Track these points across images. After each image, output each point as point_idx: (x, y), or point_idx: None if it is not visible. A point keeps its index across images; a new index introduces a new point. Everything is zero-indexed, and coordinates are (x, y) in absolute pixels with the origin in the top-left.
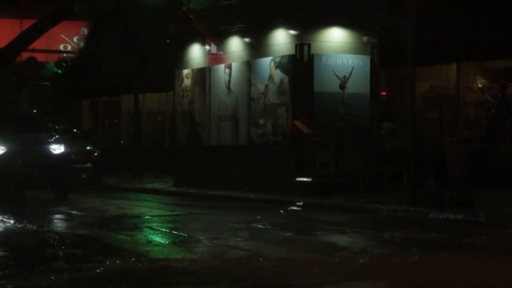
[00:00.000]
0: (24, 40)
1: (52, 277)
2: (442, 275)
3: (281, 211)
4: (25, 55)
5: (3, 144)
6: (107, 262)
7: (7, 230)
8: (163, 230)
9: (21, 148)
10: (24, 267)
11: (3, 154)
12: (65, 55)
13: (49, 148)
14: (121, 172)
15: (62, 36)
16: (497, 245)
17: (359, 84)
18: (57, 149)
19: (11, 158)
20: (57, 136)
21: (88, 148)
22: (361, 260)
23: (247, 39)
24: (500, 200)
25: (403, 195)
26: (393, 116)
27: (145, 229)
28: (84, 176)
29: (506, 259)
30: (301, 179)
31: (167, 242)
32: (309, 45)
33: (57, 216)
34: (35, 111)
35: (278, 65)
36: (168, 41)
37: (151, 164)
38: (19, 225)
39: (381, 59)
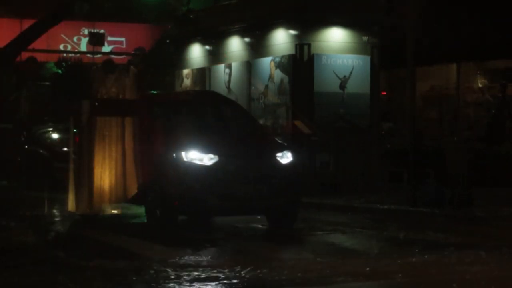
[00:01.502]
0: (24, 40)
1: (57, 275)
2: (443, 275)
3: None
4: (25, 55)
5: (214, 150)
6: (107, 262)
7: None
8: (163, 230)
9: (240, 156)
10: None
11: (214, 165)
12: (65, 55)
13: (275, 156)
14: None
15: (62, 36)
16: (497, 245)
17: (359, 84)
18: (284, 157)
19: (225, 171)
20: (279, 138)
21: None
22: (362, 260)
23: (247, 39)
24: (500, 200)
25: (403, 195)
26: (393, 116)
27: (145, 229)
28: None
29: (506, 258)
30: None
31: (166, 242)
32: (309, 45)
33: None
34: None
35: (278, 65)
36: (168, 41)
37: None
38: None
39: (381, 59)
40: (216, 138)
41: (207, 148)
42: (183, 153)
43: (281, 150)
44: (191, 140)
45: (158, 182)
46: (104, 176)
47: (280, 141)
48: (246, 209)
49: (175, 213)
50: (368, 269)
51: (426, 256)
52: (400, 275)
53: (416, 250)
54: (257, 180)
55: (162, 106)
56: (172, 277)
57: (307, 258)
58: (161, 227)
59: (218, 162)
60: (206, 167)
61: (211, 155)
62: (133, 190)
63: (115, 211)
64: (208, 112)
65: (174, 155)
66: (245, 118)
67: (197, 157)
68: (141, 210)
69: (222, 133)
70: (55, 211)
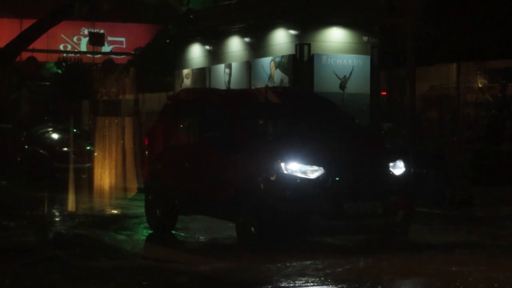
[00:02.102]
0: (24, 40)
1: (57, 274)
2: (443, 275)
3: None
4: (25, 55)
5: (318, 160)
6: (107, 262)
7: None
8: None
9: (348, 168)
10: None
11: (318, 178)
12: (65, 55)
13: (387, 166)
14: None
15: (62, 36)
16: (496, 244)
17: (359, 84)
18: (396, 167)
19: (331, 185)
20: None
21: (88, 148)
22: (361, 260)
23: (247, 39)
24: (500, 200)
25: None
26: (393, 116)
27: (145, 229)
28: (84, 176)
29: (506, 258)
30: None
31: (166, 242)
32: (309, 45)
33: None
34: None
35: (278, 65)
36: (168, 41)
37: None
38: None
39: (381, 59)
40: (319, 146)
41: (310, 158)
42: (282, 164)
43: (393, 159)
44: (291, 149)
45: (253, 197)
46: (104, 176)
47: (389, 147)
48: (356, 228)
49: (274, 232)
50: (368, 269)
51: (425, 256)
52: (400, 275)
53: (416, 250)
54: (369, 196)
55: (250, 107)
56: None
57: (307, 257)
58: (256, 246)
59: (323, 175)
60: (309, 180)
61: (315, 167)
62: (133, 190)
63: (115, 211)
64: (304, 113)
65: (271, 166)
66: (346, 120)
67: (299, 169)
68: (141, 210)
69: (324, 139)
70: (55, 211)
